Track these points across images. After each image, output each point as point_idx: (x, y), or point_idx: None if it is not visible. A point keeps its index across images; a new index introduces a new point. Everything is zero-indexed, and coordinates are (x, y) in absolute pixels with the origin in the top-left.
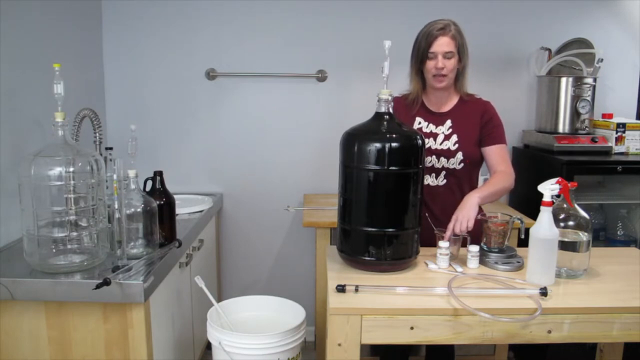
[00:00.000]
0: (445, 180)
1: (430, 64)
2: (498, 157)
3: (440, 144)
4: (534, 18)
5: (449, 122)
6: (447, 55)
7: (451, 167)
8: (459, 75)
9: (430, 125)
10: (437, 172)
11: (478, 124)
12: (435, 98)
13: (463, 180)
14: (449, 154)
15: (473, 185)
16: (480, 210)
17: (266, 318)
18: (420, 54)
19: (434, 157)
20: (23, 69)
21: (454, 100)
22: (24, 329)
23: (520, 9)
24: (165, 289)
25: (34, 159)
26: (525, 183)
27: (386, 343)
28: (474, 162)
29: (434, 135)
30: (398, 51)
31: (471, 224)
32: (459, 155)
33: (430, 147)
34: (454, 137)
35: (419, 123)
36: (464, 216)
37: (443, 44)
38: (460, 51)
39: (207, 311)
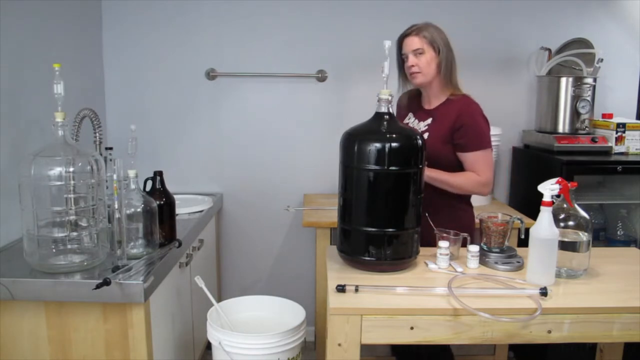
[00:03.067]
0: None
1: (406, 66)
2: (474, 165)
3: None
4: (534, 18)
5: (429, 120)
6: (416, 53)
7: None
8: (442, 71)
9: (415, 121)
10: None
11: (450, 125)
12: (425, 96)
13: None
14: None
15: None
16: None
17: (266, 318)
18: (399, 59)
19: None
20: (23, 69)
21: (439, 100)
22: (24, 329)
23: (520, 9)
24: (165, 289)
25: (34, 159)
26: (525, 183)
27: (386, 343)
28: (438, 164)
29: None
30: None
31: None
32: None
33: None
34: (425, 136)
35: (409, 118)
36: None
37: (410, 44)
38: (434, 46)
39: (207, 311)
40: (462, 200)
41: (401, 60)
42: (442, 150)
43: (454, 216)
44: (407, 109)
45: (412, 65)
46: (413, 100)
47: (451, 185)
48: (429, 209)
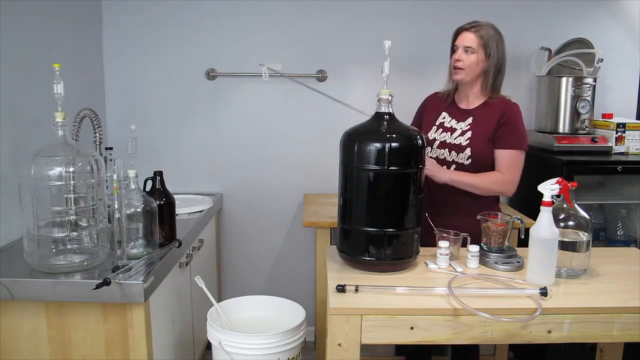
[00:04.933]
0: None
1: (452, 58)
2: (503, 163)
3: (455, 138)
4: (534, 18)
5: (469, 120)
6: (467, 50)
7: (460, 161)
8: (486, 76)
9: (453, 120)
10: (447, 165)
11: (495, 124)
12: (462, 95)
13: None
14: (459, 148)
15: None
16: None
17: (266, 318)
18: (451, 49)
19: (446, 150)
20: (23, 69)
21: (480, 100)
22: (24, 329)
23: (520, 9)
24: (165, 289)
25: (34, 159)
26: (525, 183)
27: (386, 343)
28: (482, 162)
29: (452, 130)
30: (398, 51)
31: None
32: (467, 151)
33: (445, 141)
34: (469, 134)
35: (443, 117)
36: (430, 171)
37: (465, 39)
38: (486, 50)
39: (207, 311)
40: (496, 203)
41: (452, 51)
42: (486, 150)
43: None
44: (440, 107)
45: (458, 60)
46: (444, 101)
47: (475, 186)
48: (462, 213)
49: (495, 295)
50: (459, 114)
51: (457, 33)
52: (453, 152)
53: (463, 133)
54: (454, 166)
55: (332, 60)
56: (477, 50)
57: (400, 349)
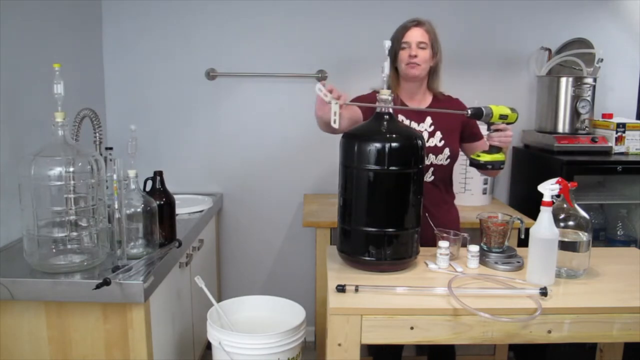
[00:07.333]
0: (432, 177)
1: (403, 54)
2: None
3: (427, 140)
4: (534, 18)
5: (429, 120)
6: (420, 46)
7: (439, 163)
8: (432, 73)
9: (413, 123)
10: (425, 168)
11: (459, 121)
12: (409, 94)
13: (446, 176)
14: (436, 150)
15: (452, 181)
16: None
17: (266, 318)
18: (394, 46)
19: None
20: (23, 69)
21: (428, 99)
22: (24, 329)
23: (520, 9)
24: (165, 289)
25: (34, 159)
26: (525, 183)
27: (386, 343)
28: (455, 159)
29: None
30: None
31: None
32: (447, 151)
33: None
34: (438, 134)
35: (401, 120)
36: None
37: (417, 35)
38: (434, 46)
39: (207, 311)
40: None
41: (397, 47)
42: (457, 146)
43: (451, 212)
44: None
45: (415, 55)
46: (396, 101)
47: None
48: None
49: (495, 295)
50: (414, 115)
51: (405, 30)
52: (431, 155)
53: (432, 134)
54: (432, 169)
55: (332, 60)
56: (427, 46)
57: (369, 348)
